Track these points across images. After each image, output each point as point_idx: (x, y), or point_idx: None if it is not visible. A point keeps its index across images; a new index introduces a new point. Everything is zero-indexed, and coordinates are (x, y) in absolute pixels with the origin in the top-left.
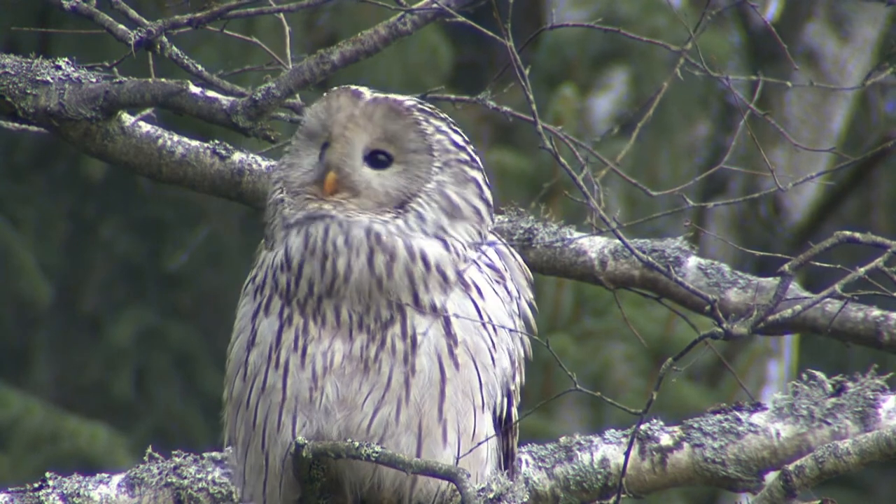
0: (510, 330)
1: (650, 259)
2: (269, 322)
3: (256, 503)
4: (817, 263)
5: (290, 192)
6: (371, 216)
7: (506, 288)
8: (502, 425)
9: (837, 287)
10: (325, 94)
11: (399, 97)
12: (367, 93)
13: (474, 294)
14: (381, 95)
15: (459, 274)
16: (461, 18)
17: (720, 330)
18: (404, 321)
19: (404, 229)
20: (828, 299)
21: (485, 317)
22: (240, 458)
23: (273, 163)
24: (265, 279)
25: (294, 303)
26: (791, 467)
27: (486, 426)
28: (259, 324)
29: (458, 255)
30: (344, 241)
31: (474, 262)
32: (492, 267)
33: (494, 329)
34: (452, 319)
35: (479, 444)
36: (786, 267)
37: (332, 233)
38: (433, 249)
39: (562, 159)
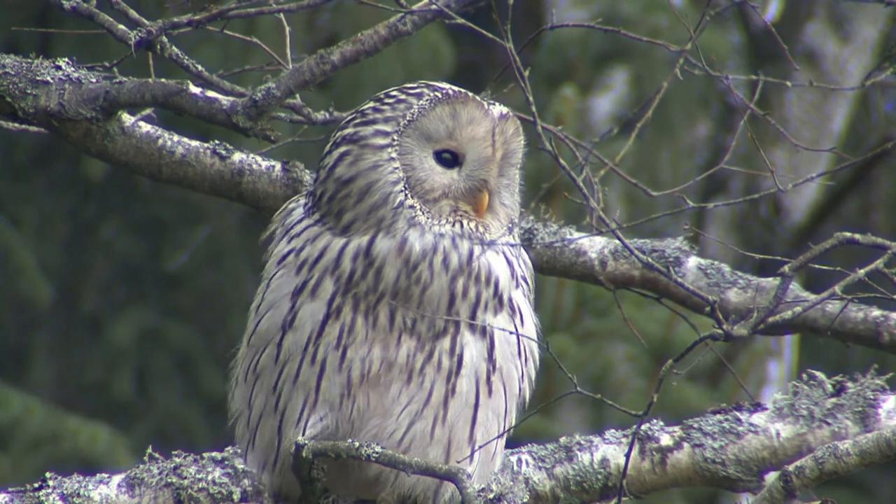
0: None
1: (650, 260)
2: (313, 308)
3: (260, 470)
4: (817, 266)
5: (422, 200)
6: (501, 238)
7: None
8: None
9: (837, 289)
10: (443, 94)
11: (507, 109)
12: (484, 103)
13: (517, 319)
14: (504, 109)
15: (510, 298)
16: (460, 20)
17: (720, 331)
18: (455, 337)
19: (502, 250)
20: (828, 300)
21: (522, 343)
22: (251, 424)
23: (273, 163)
24: (318, 258)
25: (350, 295)
26: (791, 468)
27: (503, 444)
28: (301, 305)
29: (514, 276)
30: (450, 261)
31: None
32: (525, 280)
33: (525, 360)
34: (496, 345)
35: (486, 444)
36: (786, 268)
37: (446, 250)
38: (504, 273)
39: (562, 160)
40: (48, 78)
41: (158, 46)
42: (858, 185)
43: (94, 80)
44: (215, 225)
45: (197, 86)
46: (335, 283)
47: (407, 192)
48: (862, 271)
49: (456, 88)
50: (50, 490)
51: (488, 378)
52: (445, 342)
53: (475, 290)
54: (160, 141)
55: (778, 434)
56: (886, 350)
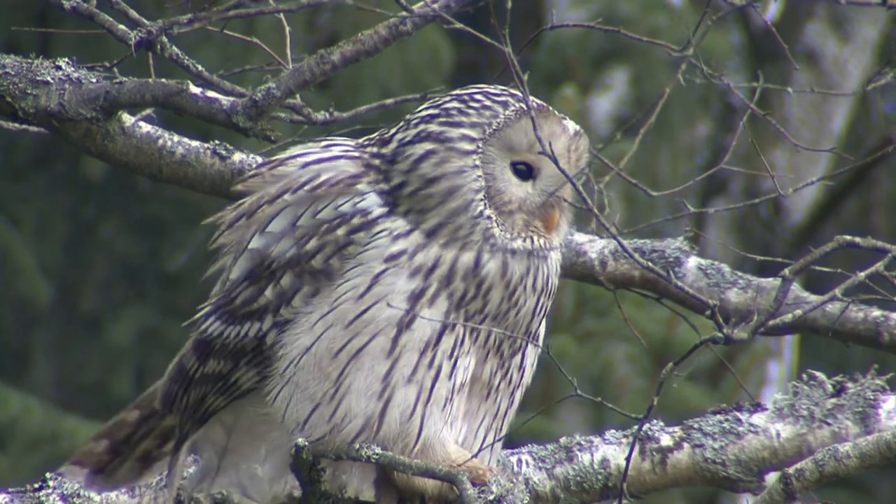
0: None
1: (649, 264)
2: (431, 315)
3: (325, 433)
4: (818, 269)
5: (498, 211)
6: (557, 254)
7: None
8: None
9: (838, 291)
10: (529, 106)
11: (578, 126)
12: (561, 118)
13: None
14: (577, 126)
15: None
16: (459, 25)
17: (721, 335)
18: (524, 351)
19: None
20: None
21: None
22: (337, 396)
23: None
24: (433, 269)
25: (462, 311)
26: (791, 470)
27: None
28: (420, 310)
29: None
30: (537, 282)
31: None
32: None
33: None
34: (529, 347)
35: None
36: (786, 271)
37: (533, 272)
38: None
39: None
40: (48, 78)
41: (158, 46)
42: (859, 186)
43: (94, 81)
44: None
45: (197, 86)
46: (448, 297)
47: (486, 201)
48: (862, 274)
49: (538, 101)
50: (50, 490)
51: (523, 381)
52: (517, 358)
53: (544, 304)
54: (160, 141)
55: (778, 434)
56: (886, 350)
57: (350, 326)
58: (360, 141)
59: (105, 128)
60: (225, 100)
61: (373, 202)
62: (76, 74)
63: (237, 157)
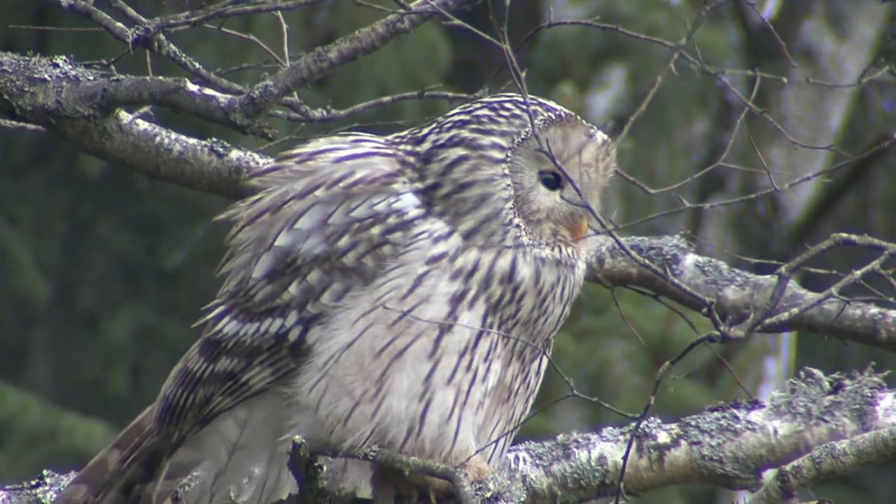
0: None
1: (646, 262)
2: (470, 318)
3: (367, 432)
4: (813, 270)
5: (526, 220)
6: (583, 265)
7: None
8: None
9: (834, 290)
10: (556, 115)
11: (606, 135)
12: (589, 128)
13: None
14: (605, 135)
15: None
16: (457, 21)
17: (717, 333)
18: (541, 358)
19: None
20: (825, 300)
21: None
22: (379, 396)
23: (272, 161)
24: (472, 272)
25: (497, 315)
26: (788, 468)
27: None
28: (461, 313)
29: None
30: (565, 291)
31: None
32: None
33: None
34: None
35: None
36: (783, 269)
37: (562, 281)
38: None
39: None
40: (46, 76)
41: (156, 44)
42: (856, 184)
43: (91, 78)
44: (213, 223)
45: (194, 83)
46: (486, 301)
47: (515, 210)
48: (858, 273)
49: (567, 111)
50: (47, 488)
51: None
52: (535, 363)
53: (566, 312)
54: (157, 138)
55: (775, 431)
56: (884, 347)
57: (393, 326)
58: (390, 138)
59: (102, 125)
60: (222, 97)
61: (409, 203)
62: (73, 72)
63: (234, 154)
